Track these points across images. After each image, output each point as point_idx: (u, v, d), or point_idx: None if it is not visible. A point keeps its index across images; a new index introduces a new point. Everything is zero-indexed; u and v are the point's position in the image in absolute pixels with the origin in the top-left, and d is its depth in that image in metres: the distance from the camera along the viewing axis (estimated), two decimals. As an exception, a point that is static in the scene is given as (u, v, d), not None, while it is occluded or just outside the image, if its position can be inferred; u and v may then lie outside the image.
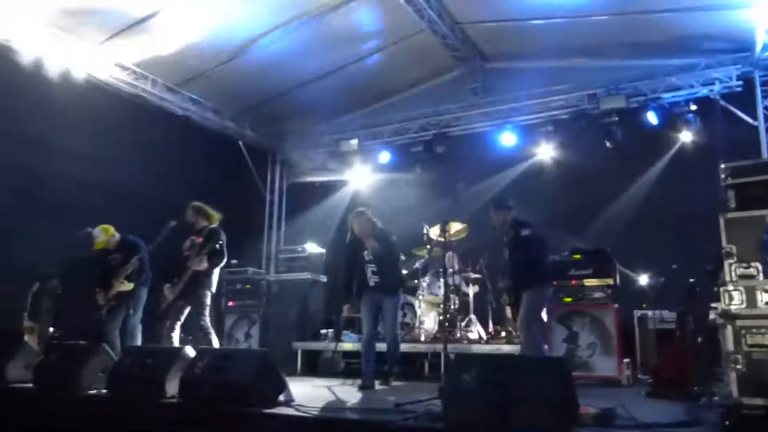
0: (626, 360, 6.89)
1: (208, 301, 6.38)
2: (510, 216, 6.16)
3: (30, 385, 5.53)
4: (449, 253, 7.86)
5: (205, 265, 6.25)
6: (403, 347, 8.10)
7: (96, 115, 8.29)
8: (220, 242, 6.35)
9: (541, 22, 8.31)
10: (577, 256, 7.33)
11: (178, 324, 6.34)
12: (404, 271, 7.70)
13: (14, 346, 6.13)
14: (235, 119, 10.52)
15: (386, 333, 6.71)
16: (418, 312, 8.23)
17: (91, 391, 5.17)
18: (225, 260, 6.50)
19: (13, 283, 7.23)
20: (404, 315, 8.28)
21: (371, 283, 6.63)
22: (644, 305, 7.71)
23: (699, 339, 5.67)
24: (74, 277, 7.52)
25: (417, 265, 8.63)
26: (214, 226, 6.53)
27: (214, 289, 6.49)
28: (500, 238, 6.28)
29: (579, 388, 3.77)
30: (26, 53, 7.32)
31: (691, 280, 5.73)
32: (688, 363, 5.65)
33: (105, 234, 6.95)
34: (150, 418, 4.58)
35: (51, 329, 7.26)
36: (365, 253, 6.66)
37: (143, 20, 7.66)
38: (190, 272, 6.20)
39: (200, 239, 6.37)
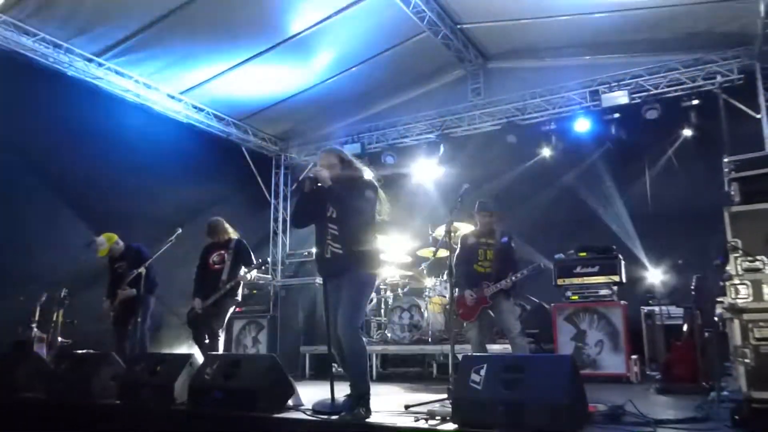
0: (634, 357, 6.90)
1: (231, 309, 6.57)
2: (493, 220, 6.13)
3: (40, 394, 5.55)
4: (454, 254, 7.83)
5: (250, 275, 6.50)
6: (412, 349, 8.14)
7: (102, 121, 8.37)
8: (249, 251, 6.64)
9: (541, 20, 8.31)
10: (584, 254, 7.35)
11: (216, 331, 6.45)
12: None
13: (23, 356, 6.15)
14: (238, 125, 10.55)
15: (337, 330, 4.28)
16: (426, 314, 8.23)
17: (101, 400, 5.18)
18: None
19: (20, 293, 7.24)
20: (411, 317, 8.28)
21: (328, 254, 4.41)
22: (650, 301, 7.70)
23: (707, 334, 5.66)
24: (82, 286, 7.56)
25: (423, 266, 8.62)
26: (236, 238, 6.71)
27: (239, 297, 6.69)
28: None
29: (588, 386, 3.77)
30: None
31: (698, 275, 5.73)
32: (697, 358, 5.65)
33: (108, 242, 7.01)
34: (160, 425, 4.60)
35: (60, 339, 7.27)
36: (329, 210, 4.45)
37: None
38: (230, 286, 6.36)
39: (226, 253, 6.55)
